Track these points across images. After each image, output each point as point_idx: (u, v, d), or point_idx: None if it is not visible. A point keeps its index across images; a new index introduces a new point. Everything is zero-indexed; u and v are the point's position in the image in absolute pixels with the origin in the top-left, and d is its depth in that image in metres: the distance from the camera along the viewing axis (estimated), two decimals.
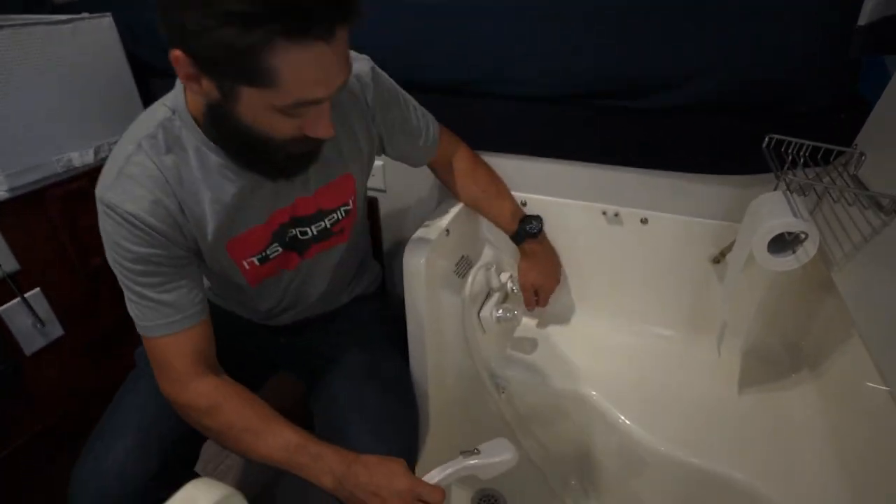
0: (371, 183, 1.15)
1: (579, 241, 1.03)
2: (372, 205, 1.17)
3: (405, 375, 0.94)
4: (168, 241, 0.66)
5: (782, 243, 0.73)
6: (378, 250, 1.22)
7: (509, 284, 1.04)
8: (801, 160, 0.76)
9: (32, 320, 1.03)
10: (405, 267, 0.86)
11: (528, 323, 1.11)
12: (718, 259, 0.91)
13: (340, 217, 0.82)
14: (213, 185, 0.67)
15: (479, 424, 1.06)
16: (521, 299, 1.05)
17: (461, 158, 0.95)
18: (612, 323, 1.07)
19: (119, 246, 0.64)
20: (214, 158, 0.65)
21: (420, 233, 0.89)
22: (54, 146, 1.01)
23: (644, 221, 0.96)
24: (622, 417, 0.90)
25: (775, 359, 0.96)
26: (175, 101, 0.65)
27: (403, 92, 0.83)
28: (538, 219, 0.96)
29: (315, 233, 0.81)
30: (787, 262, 0.71)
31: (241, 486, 1.28)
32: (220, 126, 0.61)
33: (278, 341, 0.96)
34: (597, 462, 0.97)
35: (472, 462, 0.70)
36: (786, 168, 0.75)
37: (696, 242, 0.94)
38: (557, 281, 1.04)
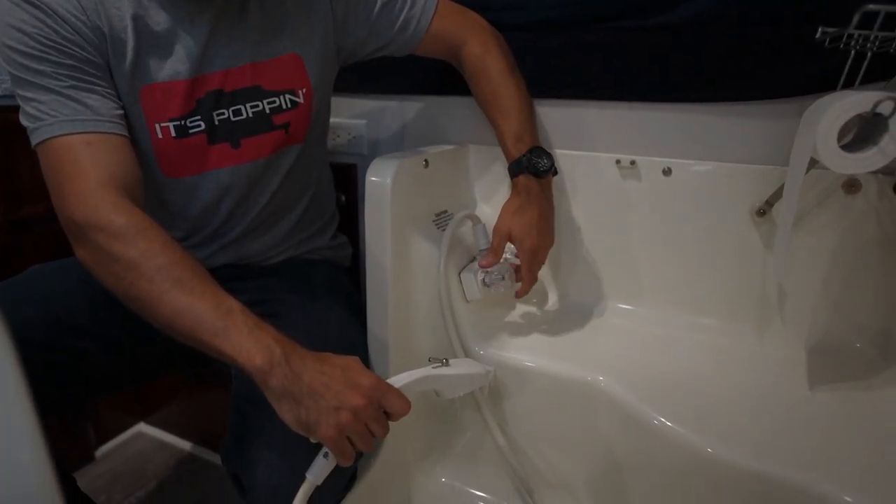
0: (350, 146, 1.02)
1: (585, 201, 0.84)
2: (349, 172, 1.03)
3: (359, 344, 0.73)
4: (78, 35, 0.58)
5: (857, 143, 0.55)
6: (354, 230, 1.05)
7: (506, 255, 0.85)
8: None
9: None
10: (366, 189, 0.69)
11: (522, 307, 0.89)
12: (763, 210, 0.72)
13: (284, 106, 0.70)
14: (140, 3, 0.61)
15: (448, 424, 0.81)
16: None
17: (474, 45, 0.76)
18: (630, 308, 0.85)
19: (15, 30, 0.56)
20: None
21: (391, 154, 0.73)
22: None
23: (667, 172, 0.78)
24: (658, 417, 0.63)
25: (857, 355, 0.72)
26: None
27: None
28: (550, 157, 0.74)
29: (251, 114, 0.68)
30: (869, 159, 0.53)
31: None
32: None
33: None
34: (621, 477, 0.69)
35: (441, 372, 0.59)
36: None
37: (733, 195, 0.75)
38: (548, 242, 0.76)
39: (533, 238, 0.72)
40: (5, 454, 0.33)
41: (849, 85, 0.64)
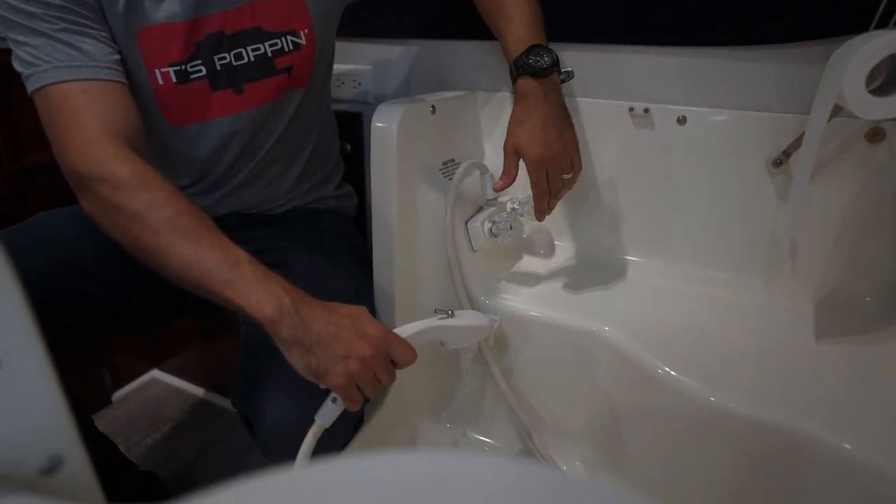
0: (355, 94, 1.00)
1: (595, 149, 0.82)
2: (354, 120, 1.00)
3: (364, 293, 0.73)
4: None
5: (886, 87, 0.52)
6: (360, 180, 1.03)
7: (510, 205, 0.84)
8: None
9: None
10: (372, 135, 0.67)
11: (530, 259, 0.89)
12: (780, 160, 0.70)
13: (286, 48, 0.68)
14: None
15: (454, 376, 0.82)
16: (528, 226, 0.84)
17: None
18: (637, 259, 0.84)
19: None
20: None
21: (397, 99, 0.71)
22: None
23: (681, 120, 0.76)
24: (662, 366, 0.63)
25: (866, 309, 0.72)
26: None
27: None
28: (551, 53, 0.65)
29: (252, 58, 0.66)
30: None
31: (161, 464, 1.04)
32: None
33: None
34: (623, 425, 0.71)
35: (446, 323, 0.61)
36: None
37: (749, 144, 0.73)
38: (556, 151, 0.65)
39: (536, 149, 0.64)
40: (19, 392, 0.33)
41: (882, 25, 0.60)
